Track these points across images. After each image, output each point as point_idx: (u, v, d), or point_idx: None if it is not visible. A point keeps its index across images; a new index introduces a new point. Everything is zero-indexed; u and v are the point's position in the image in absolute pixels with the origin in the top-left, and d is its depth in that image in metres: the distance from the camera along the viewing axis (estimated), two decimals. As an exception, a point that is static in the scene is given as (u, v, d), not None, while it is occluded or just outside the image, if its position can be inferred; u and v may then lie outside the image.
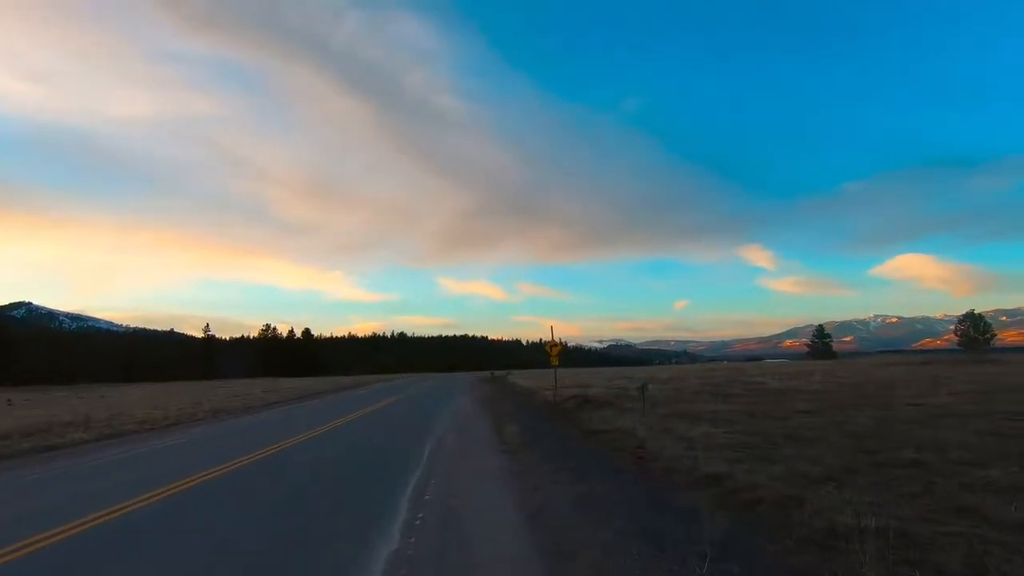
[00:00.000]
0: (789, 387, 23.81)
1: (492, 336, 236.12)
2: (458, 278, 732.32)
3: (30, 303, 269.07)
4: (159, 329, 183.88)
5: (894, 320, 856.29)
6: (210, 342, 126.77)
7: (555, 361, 23.72)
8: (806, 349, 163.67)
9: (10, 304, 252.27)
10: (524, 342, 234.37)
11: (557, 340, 24.22)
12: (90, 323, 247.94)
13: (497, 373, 64.74)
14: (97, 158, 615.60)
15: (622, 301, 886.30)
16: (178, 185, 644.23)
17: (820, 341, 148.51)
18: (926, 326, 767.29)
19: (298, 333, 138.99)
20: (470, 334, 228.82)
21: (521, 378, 50.05)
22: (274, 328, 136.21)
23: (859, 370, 36.51)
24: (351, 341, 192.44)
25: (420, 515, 5.22)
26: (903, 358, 58.63)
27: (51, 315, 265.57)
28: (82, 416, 20.03)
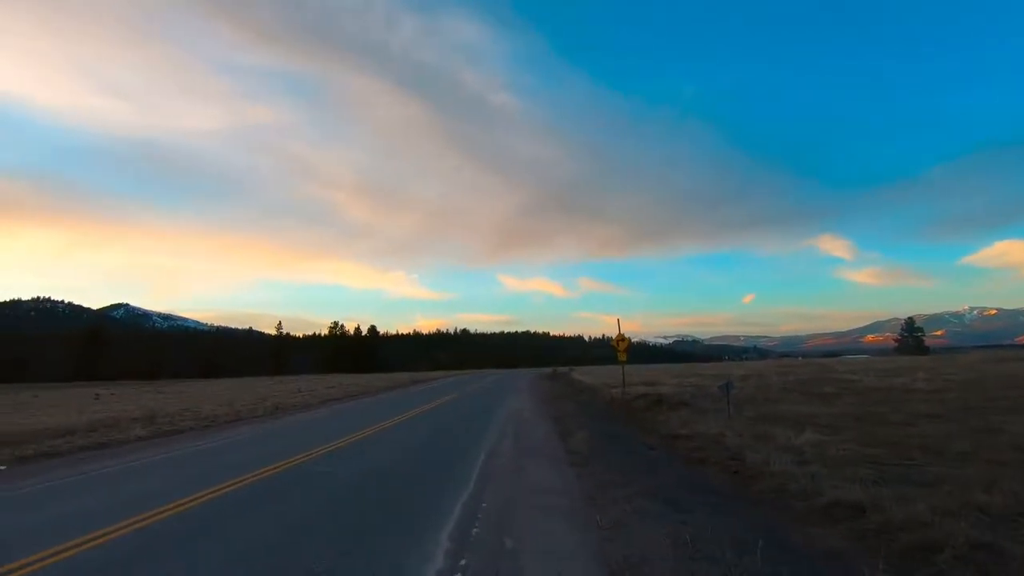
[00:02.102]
0: (892, 386, 20.96)
1: (553, 332, 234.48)
2: (517, 275, 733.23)
3: (127, 304, 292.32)
4: (239, 327, 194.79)
5: (992, 312, 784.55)
6: (281, 340, 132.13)
7: (623, 357, 21.99)
8: (893, 344, 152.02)
9: (110, 306, 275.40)
10: (587, 338, 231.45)
11: (624, 335, 22.44)
12: (179, 322, 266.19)
13: (560, 369, 63.20)
14: (175, 169, 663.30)
15: (685, 295, 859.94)
16: (250, 192, 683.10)
17: (910, 335, 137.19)
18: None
19: (364, 331, 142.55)
20: (531, 330, 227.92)
21: (584, 375, 48.26)
22: (342, 326, 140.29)
23: (969, 366, 32.31)
24: (415, 338, 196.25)
25: (462, 562, 3.87)
26: (1017, 352, 52.14)
27: (146, 315, 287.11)
28: (150, 412, 20.27)
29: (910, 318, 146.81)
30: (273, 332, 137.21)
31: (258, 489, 6.56)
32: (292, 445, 10.36)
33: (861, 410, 13.38)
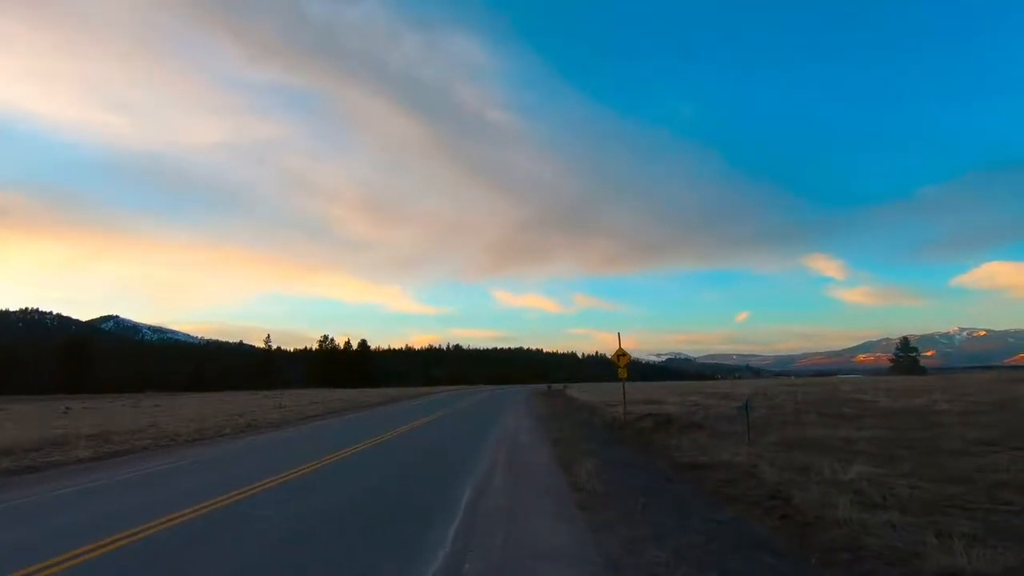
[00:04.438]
0: (914, 407, 19.48)
1: (547, 349, 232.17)
2: (512, 291, 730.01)
3: (117, 316, 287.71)
4: (230, 341, 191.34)
5: (982, 333, 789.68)
6: (270, 353, 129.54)
7: (623, 373, 20.29)
8: (889, 364, 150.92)
9: (100, 317, 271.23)
10: (580, 355, 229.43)
11: (624, 350, 20.79)
12: (169, 335, 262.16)
13: (554, 386, 61.45)
14: (174, 182, 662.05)
15: (679, 313, 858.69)
16: (246, 205, 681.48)
17: (905, 355, 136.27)
18: (1019, 340, 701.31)
19: (355, 345, 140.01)
20: (525, 347, 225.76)
21: (580, 392, 46.57)
22: (332, 339, 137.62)
23: (982, 387, 30.91)
24: (408, 353, 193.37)
25: None
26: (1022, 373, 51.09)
27: (136, 328, 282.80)
28: (108, 429, 18.54)
29: (905, 338, 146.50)
30: (263, 346, 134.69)
31: (170, 539, 4.95)
32: (243, 473, 8.72)
33: (899, 435, 11.87)
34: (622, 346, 19.90)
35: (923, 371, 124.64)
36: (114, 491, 7.75)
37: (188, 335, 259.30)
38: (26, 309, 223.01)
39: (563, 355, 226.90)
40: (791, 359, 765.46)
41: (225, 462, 10.72)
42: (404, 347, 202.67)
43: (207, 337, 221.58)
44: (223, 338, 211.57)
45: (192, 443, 14.96)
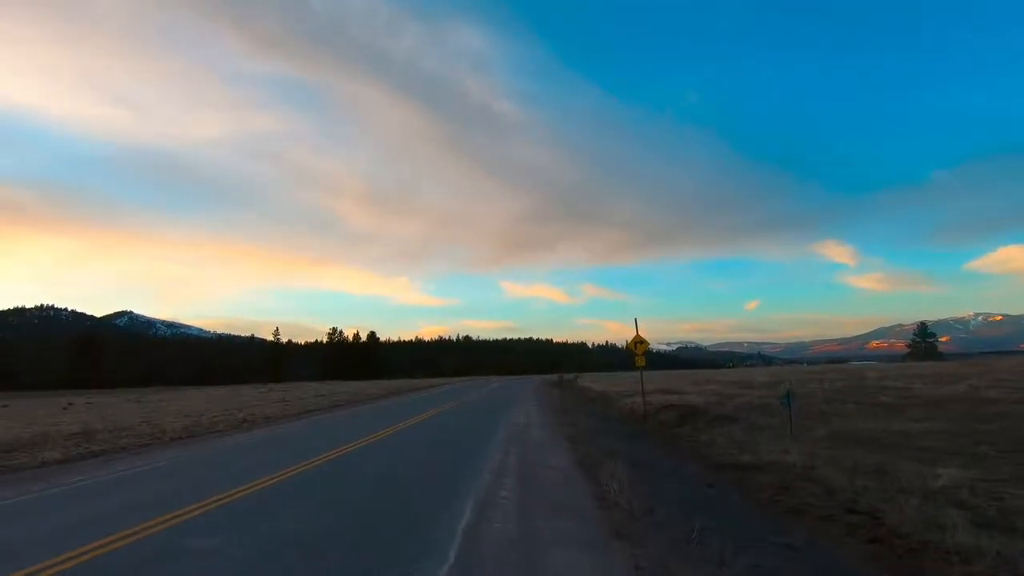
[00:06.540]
0: (957, 395, 17.96)
1: (556, 339, 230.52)
2: (520, 281, 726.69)
3: (131, 312, 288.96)
4: (241, 335, 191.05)
5: (998, 318, 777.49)
6: (278, 347, 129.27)
7: (641, 362, 18.90)
8: (905, 350, 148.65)
9: (114, 313, 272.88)
10: (590, 344, 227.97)
11: (642, 338, 19.29)
12: (182, 330, 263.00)
13: (566, 376, 60.16)
14: (179, 177, 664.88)
15: (688, 302, 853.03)
16: (252, 199, 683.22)
17: (923, 341, 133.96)
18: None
19: (364, 337, 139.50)
20: (533, 337, 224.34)
21: (592, 382, 45.27)
22: (341, 332, 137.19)
23: (1014, 371, 29.21)
24: (417, 345, 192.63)
25: None
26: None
27: (150, 323, 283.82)
28: (92, 428, 17.49)
29: (922, 323, 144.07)
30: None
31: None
32: (210, 482, 7.45)
33: (963, 427, 10.41)
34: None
35: (941, 357, 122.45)
36: (45, 505, 6.49)
37: (201, 329, 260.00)
38: (42, 306, 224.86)
39: (572, 345, 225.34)
40: (803, 347, 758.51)
41: (202, 465, 9.46)
42: (413, 339, 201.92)
43: (219, 331, 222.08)
44: (234, 332, 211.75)
45: (177, 441, 13.81)
